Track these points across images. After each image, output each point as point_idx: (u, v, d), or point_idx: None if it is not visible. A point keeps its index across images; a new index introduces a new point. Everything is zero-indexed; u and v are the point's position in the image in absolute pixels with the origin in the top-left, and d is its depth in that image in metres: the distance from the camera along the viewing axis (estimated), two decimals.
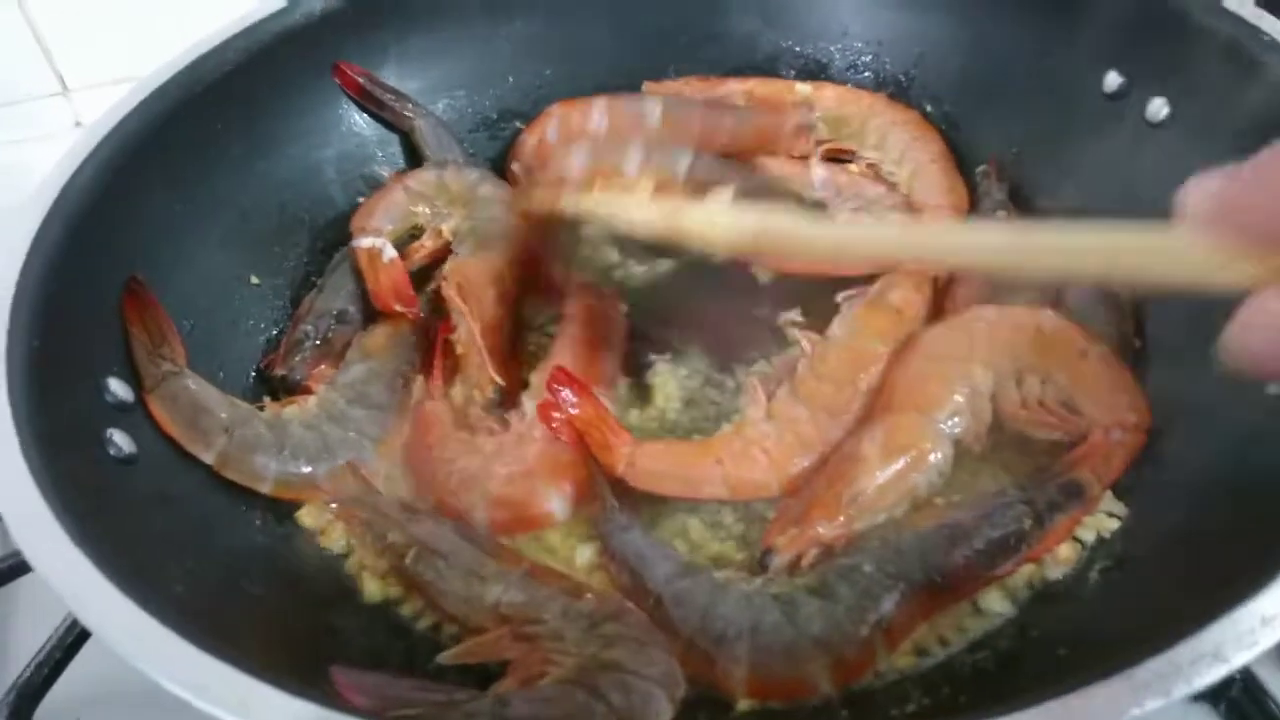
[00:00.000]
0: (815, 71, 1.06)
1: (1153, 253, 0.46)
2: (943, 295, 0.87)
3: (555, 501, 0.76)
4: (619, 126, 0.97)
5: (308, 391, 0.84)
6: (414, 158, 1.02)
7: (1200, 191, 0.43)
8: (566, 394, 0.78)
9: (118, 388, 0.71)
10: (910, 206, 0.94)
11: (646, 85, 1.05)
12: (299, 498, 0.77)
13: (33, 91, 1.19)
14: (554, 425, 0.77)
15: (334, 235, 0.96)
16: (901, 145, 0.97)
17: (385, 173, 1.01)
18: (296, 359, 0.85)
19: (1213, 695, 0.68)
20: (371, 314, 0.89)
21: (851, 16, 1.05)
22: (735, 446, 0.77)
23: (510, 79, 1.05)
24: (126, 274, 0.77)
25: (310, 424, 0.79)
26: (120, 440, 0.68)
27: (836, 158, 1.00)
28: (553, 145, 0.98)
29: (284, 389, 0.85)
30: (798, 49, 1.07)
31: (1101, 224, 0.47)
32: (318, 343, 0.86)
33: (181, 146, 0.84)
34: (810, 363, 0.82)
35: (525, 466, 0.76)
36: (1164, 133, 0.82)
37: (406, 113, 1.00)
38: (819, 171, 0.97)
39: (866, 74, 1.06)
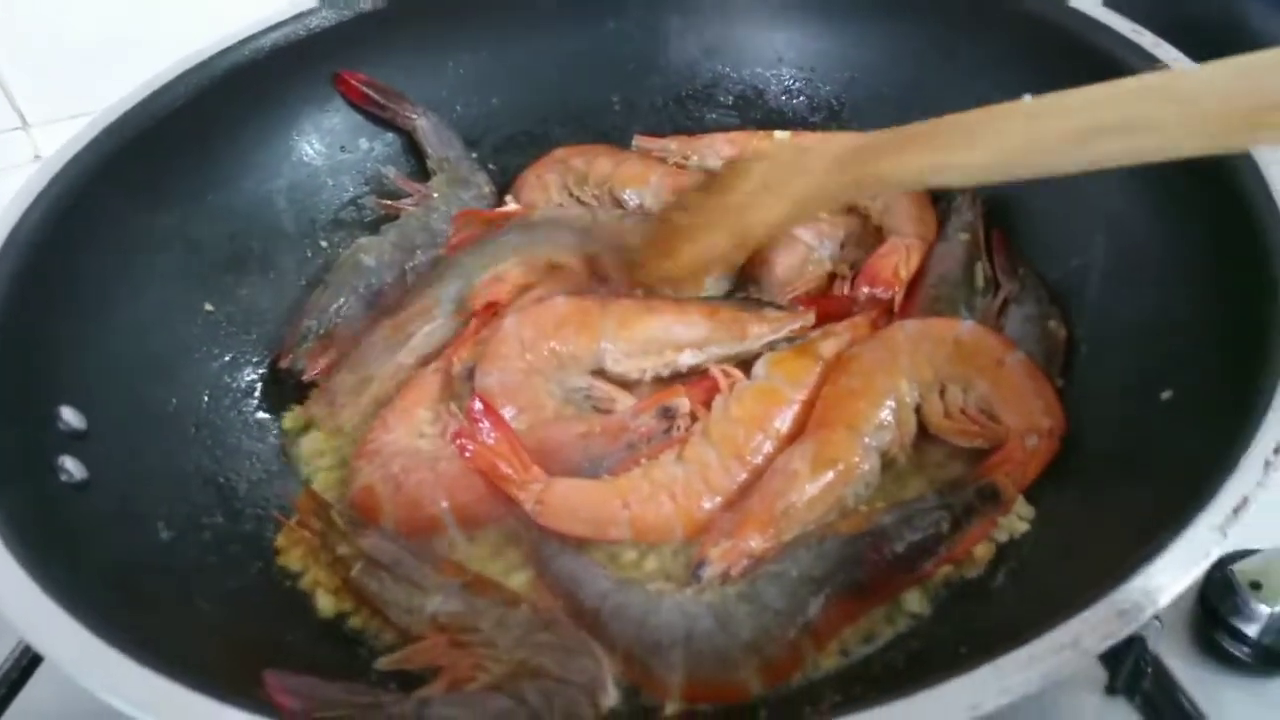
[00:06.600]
0: (752, 97, 1.11)
1: None
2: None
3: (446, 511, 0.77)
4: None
5: (313, 384, 0.90)
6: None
7: None
8: (485, 425, 0.78)
9: (70, 416, 0.73)
10: (879, 235, 0.96)
11: (637, 139, 1.09)
12: None
13: None
14: (466, 455, 0.77)
15: (286, 260, 0.99)
16: None
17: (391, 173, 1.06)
18: (300, 350, 0.90)
19: (1127, 688, 0.70)
20: (372, 307, 0.94)
21: (785, 46, 1.09)
22: (643, 490, 0.76)
23: (458, 108, 1.09)
24: (81, 304, 0.79)
25: None
26: (72, 466, 0.70)
27: None
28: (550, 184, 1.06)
29: (290, 380, 0.90)
30: (734, 75, 1.12)
31: None
32: (321, 334, 0.91)
33: (134, 181, 0.86)
34: (725, 402, 0.82)
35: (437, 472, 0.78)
36: None
37: (408, 114, 1.05)
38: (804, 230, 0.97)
39: (801, 99, 1.10)
